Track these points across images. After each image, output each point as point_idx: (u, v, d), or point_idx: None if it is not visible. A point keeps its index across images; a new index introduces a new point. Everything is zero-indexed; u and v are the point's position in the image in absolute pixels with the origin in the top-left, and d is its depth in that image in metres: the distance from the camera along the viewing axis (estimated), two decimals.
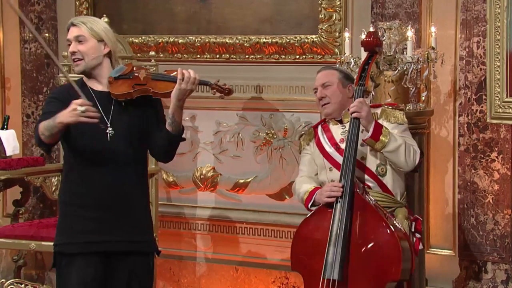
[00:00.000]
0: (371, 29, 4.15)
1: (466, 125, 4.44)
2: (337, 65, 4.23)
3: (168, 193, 5.32)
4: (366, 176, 3.67)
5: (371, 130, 3.56)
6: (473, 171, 4.42)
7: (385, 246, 3.45)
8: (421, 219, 3.82)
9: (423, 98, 4.37)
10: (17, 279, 4.81)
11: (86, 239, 3.22)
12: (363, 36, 4.27)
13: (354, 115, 3.57)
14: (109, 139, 3.20)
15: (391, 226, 3.47)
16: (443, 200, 4.55)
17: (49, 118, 3.14)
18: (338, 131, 3.76)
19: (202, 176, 5.21)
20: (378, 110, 3.75)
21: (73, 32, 3.27)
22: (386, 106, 3.78)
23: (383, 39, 4.30)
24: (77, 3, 5.43)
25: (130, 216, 3.27)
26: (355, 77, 3.81)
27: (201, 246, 5.22)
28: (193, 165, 5.23)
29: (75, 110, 3.05)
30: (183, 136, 3.32)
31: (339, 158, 3.65)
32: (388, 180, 3.69)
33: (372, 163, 3.69)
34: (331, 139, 3.75)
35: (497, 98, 4.31)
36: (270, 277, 5.03)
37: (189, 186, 5.27)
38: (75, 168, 3.25)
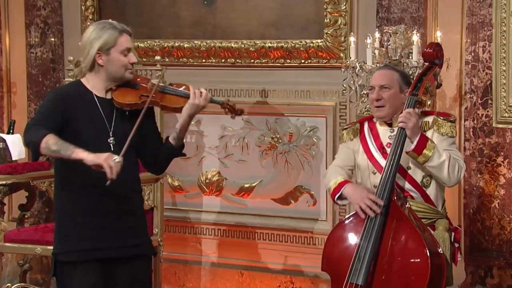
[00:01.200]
0: (438, 40, 4.08)
1: (472, 129, 4.43)
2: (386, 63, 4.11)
3: (173, 197, 5.32)
4: (410, 186, 3.61)
5: (415, 142, 3.50)
6: (479, 175, 4.41)
7: (413, 260, 3.40)
8: (460, 228, 3.76)
9: (429, 102, 4.35)
10: (22, 284, 4.81)
11: (85, 247, 3.20)
12: (368, 41, 4.27)
13: (400, 125, 3.50)
14: (112, 149, 3.17)
15: (424, 241, 3.40)
16: (448, 205, 4.53)
17: (47, 123, 3.09)
18: (386, 134, 3.67)
19: (207, 181, 5.21)
20: (430, 119, 3.65)
21: (131, 43, 3.26)
22: (438, 116, 3.66)
23: (388, 44, 4.30)
24: (83, 7, 5.44)
25: (128, 221, 3.26)
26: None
27: (206, 250, 5.22)
28: (199, 169, 5.23)
29: (107, 160, 3.01)
30: (183, 151, 3.35)
31: (384, 163, 3.58)
32: (431, 191, 3.64)
33: (417, 173, 3.62)
34: (377, 140, 3.67)
35: (503, 103, 4.31)
36: (276, 282, 5.03)
37: (194, 191, 5.27)
38: (74, 176, 3.20)
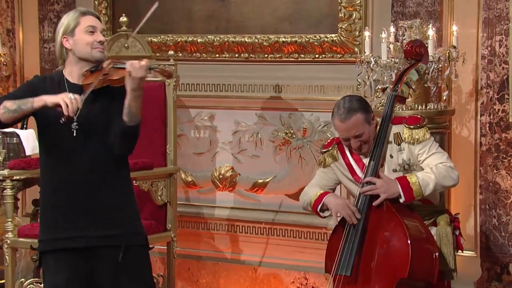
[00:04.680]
0: (417, 38, 4.09)
1: (488, 124, 4.39)
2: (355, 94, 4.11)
3: (186, 193, 5.31)
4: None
5: (402, 195, 3.52)
6: (495, 171, 4.38)
7: (394, 244, 3.48)
8: (458, 217, 3.80)
9: (444, 97, 4.32)
10: (36, 279, 4.81)
11: (60, 235, 3.19)
12: (383, 35, 4.24)
13: (380, 196, 3.52)
14: (75, 134, 3.16)
15: (404, 226, 3.47)
16: (464, 200, 4.51)
17: (8, 97, 3.14)
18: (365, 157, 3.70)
19: (220, 176, 5.20)
20: (401, 129, 3.65)
21: (97, 23, 3.26)
22: (408, 126, 3.64)
23: (403, 38, 4.27)
24: (96, 2, 5.43)
25: (104, 210, 3.20)
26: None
27: (220, 246, 5.20)
28: (212, 165, 5.22)
29: (65, 97, 3.04)
30: (138, 130, 3.21)
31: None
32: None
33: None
34: (359, 162, 3.68)
35: None
36: (289, 278, 5.01)
37: (207, 186, 5.26)
38: (47, 163, 3.25)
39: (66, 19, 3.26)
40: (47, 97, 3.10)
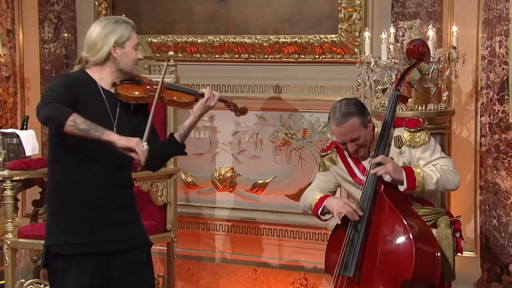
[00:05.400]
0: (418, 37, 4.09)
1: (488, 125, 4.39)
2: (354, 94, 4.13)
3: (186, 193, 5.31)
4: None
5: (404, 182, 3.51)
6: (495, 172, 4.37)
7: (398, 246, 3.46)
8: (459, 220, 3.79)
9: (444, 98, 4.32)
10: (36, 279, 4.82)
11: (79, 240, 3.20)
12: (383, 36, 4.24)
13: (382, 172, 3.49)
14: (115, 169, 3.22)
15: (408, 227, 3.46)
16: (464, 201, 4.51)
17: (63, 103, 3.09)
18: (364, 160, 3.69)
19: (220, 177, 5.20)
20: (401, 132, 3.64)
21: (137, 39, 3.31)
22: (408, 129, 3.64)
23: (403, 39, 4.27)
24: (96, 3, 5.43)
25: (120, 215, 3.25)
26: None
27: (220, 247, 5.20)
28: (212, 165, 5.22)
29: (138, 144, 3.08)
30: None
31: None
32: (426, 195, 3.65)
33: None
34: (359, 164, 3.67)
35: None
36: (289, 278, 5.01)
37: (207, 187, 5.26)
38: (71, 168, 3.20)
39: (119, 29, 3.23)
40: (118, 138, 3.09)
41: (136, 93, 3.24)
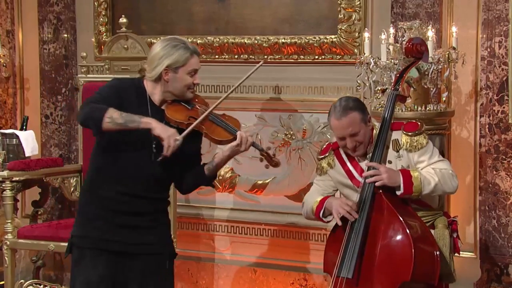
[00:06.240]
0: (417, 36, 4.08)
1: (487, 126, 4.39)
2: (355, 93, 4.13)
3: None
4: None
5: (401, 186, 3.51)
6: (494, 172, 4.37)
7: (397, 247, 3.46)
8: (456, 220, 3.79)
9: (443, 98, 4.32)
10: (35, 280, 4.82)
11: (98, 235, 3.26)
12: (383, 36, 4.24)
13: (378, 183, 3.50)
14: (152, 157, 3.25)
15: (406, 227, 3.46)
16: (464, 202, 4.51)
17: (104, 103, 3.15)
18: (362, 161, 3.69)
19: (220, 177, 5.20)
20: (399, 136, 3.64)
21: (199, 65, 3.33)
22: (406, 133, 3.63)
23: (403, 39, 4.27)
24: (95, 3, 5.43)
25: (150, 226, 3.32)
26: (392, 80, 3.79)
27: (219, 247, 5.20)
28: None
29: (176, 139, 3.14)
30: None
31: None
32: (424, 197, 3.64)
33: None
34: (357, 167, 3.67)
35: None
36: (289, 279, 5.01)
37: (207, 187, 5.24)
38: (108, 175, 3.28)
39: (175, 54, 3.27)
40: (156, 125, 3.15)
41: (178, 117, 3.28)
